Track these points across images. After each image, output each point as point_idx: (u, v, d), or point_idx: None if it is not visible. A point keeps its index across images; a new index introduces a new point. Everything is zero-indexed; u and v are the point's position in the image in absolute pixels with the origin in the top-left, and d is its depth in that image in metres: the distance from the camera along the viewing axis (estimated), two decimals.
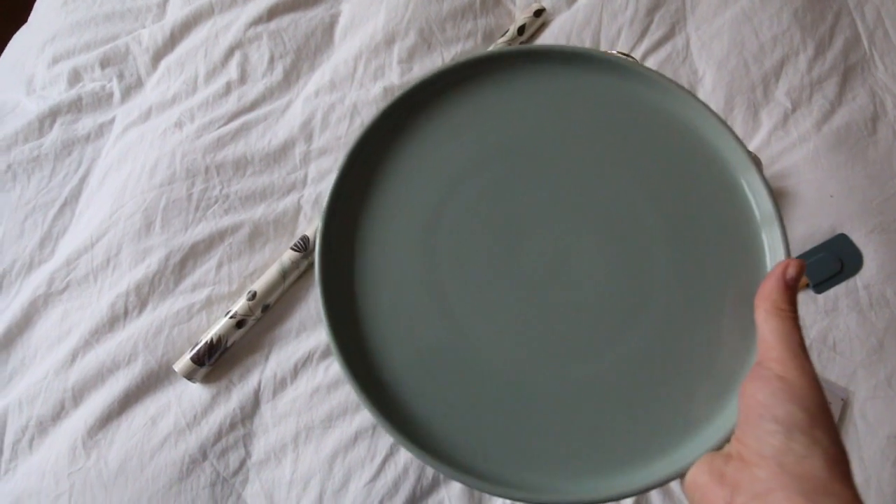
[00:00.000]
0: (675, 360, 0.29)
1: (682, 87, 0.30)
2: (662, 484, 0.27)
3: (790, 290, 0.26)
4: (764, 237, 0.30)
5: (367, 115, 0.66)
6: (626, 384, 0.29)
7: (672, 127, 0.30)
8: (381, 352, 0.30)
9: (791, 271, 0.27)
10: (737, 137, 0.29)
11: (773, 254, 0.29)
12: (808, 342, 0.55)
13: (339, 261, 0.31)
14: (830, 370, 0.54)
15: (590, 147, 0.31)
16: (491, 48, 0.69)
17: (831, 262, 0.58)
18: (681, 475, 0.27)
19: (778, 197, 0.62)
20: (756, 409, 0.24)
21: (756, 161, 0.30)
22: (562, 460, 0.28)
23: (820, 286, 0.57)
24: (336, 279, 0.30)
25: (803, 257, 0.59)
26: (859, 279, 0.58)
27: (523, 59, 0.31)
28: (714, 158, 0.30)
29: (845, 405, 0.53)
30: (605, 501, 0.27)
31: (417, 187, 0.31)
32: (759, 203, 0.30)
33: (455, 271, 0.30)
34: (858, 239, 0.59)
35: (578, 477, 0.28)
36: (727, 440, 0.27)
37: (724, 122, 0.29)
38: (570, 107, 0.31)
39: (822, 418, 0.23)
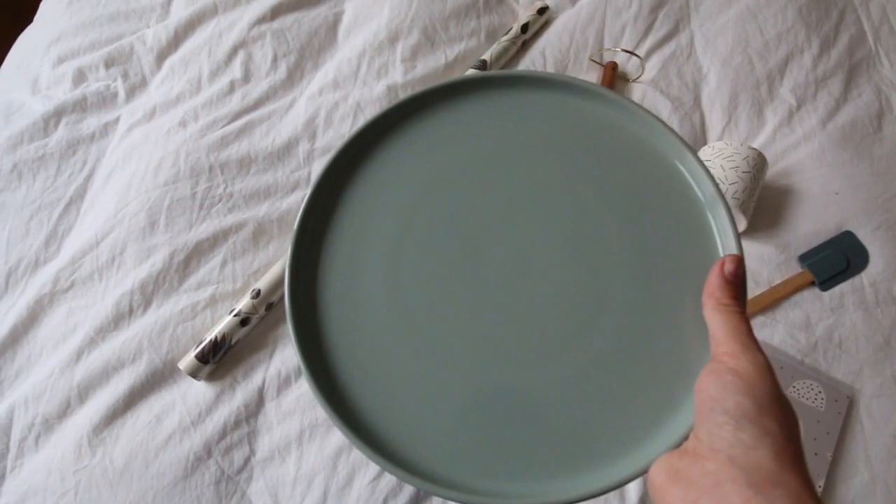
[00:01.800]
0: (636, 360, 0.29)
1: (620, 96, 0.32)
2: (623, 484, 0.27)
3: (731, 286, 0.27)
4: (711, 221, 0.31)
5: (362, 120, 0.66)
6: (588, 386, 0.29)
7: (625, 139, 0.33)
8: (348, 369, 0.30)
9: (728, 266, 0.27)
10: (666, 126, 0.31)
11: (723, 238, 0.30)
12: (814, 340, 0.55)
13: (307, 280, 0.32)
14: (836, 368, 0.54)
15: (543, 161, 0.33)
16: (488, 50, 0.69)
17: (837, 260, 0.57)
18: (643, 474, 0.27)
19: (783, 194, 0.62)
20: (708, 402, 0.24)
21: (689, 147, 0.31)
22: (524, 464, 0.28)
23: (825, 283, 0.57)
24: (304, 297, 0.31)
25: (809, 255, 0.58)
26: (865, 276, 0.57)
27: (478, 85, 0.34)
28: (655, 154, 0.32)
29: (851, 403, 0.53)
30: (569, 503, 0.27)
31: (384, 206, 0.32)
32: (701, 186, 0.31)
33: (419, 284, 0.31)
34: (864, 236, 0.59)
35: (539, 480, 0.28)
36: (685, 437, 0.27)
37: (655, 117, 0.32)
38: (529, 123, 0.33)
39: (772, 407, 0.23)
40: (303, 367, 0.30)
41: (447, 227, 0.32)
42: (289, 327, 0.30)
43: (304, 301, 0.31)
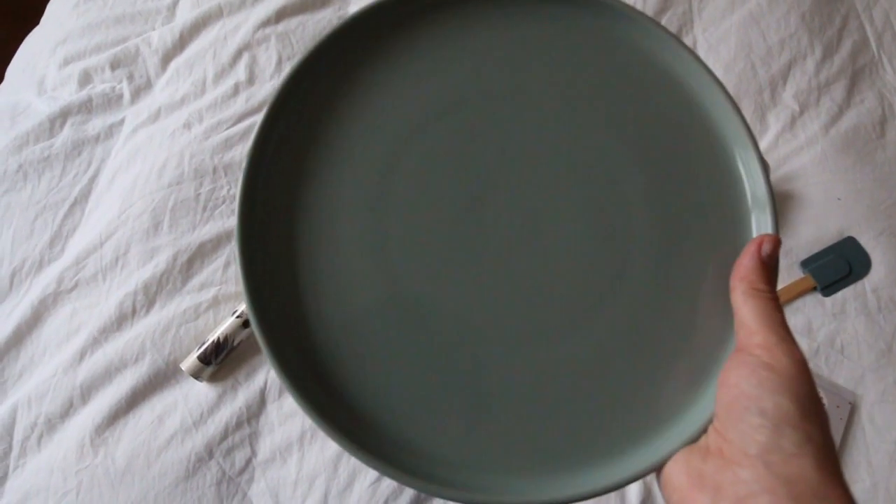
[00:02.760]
0: (650, 343, 0.26)
1: (684, 45, 0.26)
2: (634, 480, 0.24)
3: (767, 269, 0.24)
4: (753, 221, 0.26)
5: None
6: (596, 369, 0.26)
7: (666, 85, 0.27)
8: (324, 342, 0.26)
9: (767, 247, 0.24)
10: (738, 110, 0.26)
11: (759, 214, 0.27)
12: (815, 345, 0.55)
13: (273, 229, 0.26)
14: (838, 374, 0.54)
15: (569, 97, 0.27)
16: None
17: (839, 265, 0.57)
18: (655, 470, 0.24)
19: (785, 200, 0.62)
20: (740, 400, 0.21)
21: (754, 141, 0.26)
22: (524, 457, 0.25)
23: (828, 289, 0.57)
24: (270, 248, 0.26)
25: (811, 260, 0.58)
26: (867, 282, 0.57)
27: None
28: (710, 128, 0.27)
29: (853, 409, 0.53)
30: (572, 501, 0.24)
31: (369, 136, 0.26)
32: (753, 184, 0.26)
33: (409, 235, 0.26)
34: (866, 242, 0.59)
35: (542, 475, 0.25)
36: (703, 431, 0.24)
37: (726, 93, 0.26)
38: (549, 50, 0.27)
39: (815, 410, 0.21)
40: (275, 368, 0.25)
41: (446, 162, 0.26)
42: (255, 330, 0.25)
43: (262, 275, 0.26)
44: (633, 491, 0.49)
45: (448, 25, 0.27)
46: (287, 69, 0.26)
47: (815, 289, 0.57)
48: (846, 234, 0.60)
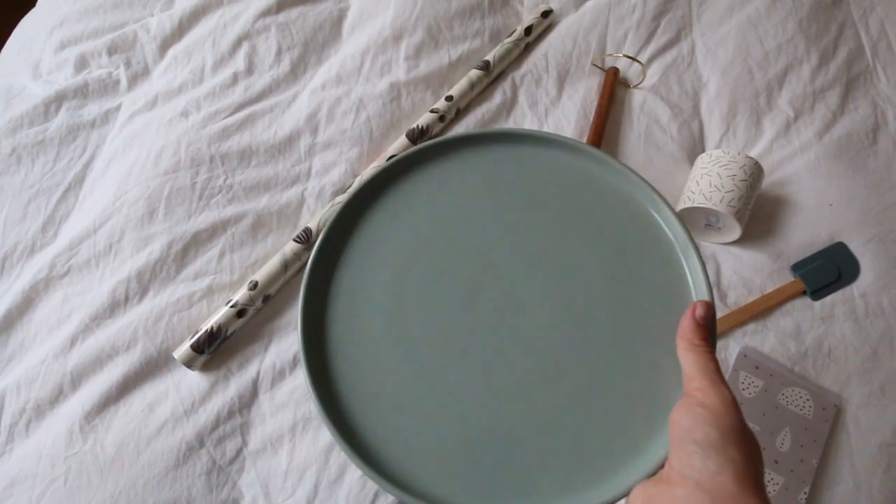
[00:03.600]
0: (616, 394, 0.32)
1: (603, 153, 0.36)
2: None
3: (701, 328, 0.30)
4: (684, 264, 0.34)
5: (364, 115, 0.66)
6: (571, 416, 0.32)
7: (601, 188, 0.36)
8: (355, 402, 0.33)
9: (699, 311, 0.30)
10: (638, 176, 0.35)
11: (695, 282, 0.33)
12: (803, 349, 0.56)
13: (317, 326, 0.34)
14: (825, 377, 0.55)
15: (531, 212, 0.36)
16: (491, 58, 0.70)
17: (829, 270, 0.58)
18: (622, 498, 0.30)
19: (778, 204, 0.63)
20: (679, 432, 0.27)
21: (663, 198, 0.35)
22: (508, 488, 0.31)
23: (817, 293, 0.58)
24: (314, 338, 0.34)
25: (801, 264, 0.59)
26: (856, 287, 0.58)
27: (473, 141, 0.38)
28: (634, 205, 0.36)
29: (838, 412, 0.54)
30: None
31: (382, 258, 0.35)
32: (673, 232, 0.35)
33: (417, 327, 0.34)
34: (856, 248, 0.60)
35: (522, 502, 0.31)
36: (660, 466, 0.29)
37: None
38: (513, 178, 0.37)
39: (735, 437, 0.25)
40: (314, 399, 0.32)
41: (442, 276, 0.35)
42: (302, 365, 0.33)
43: (315, 343, 0.34)
44: None
45: (439, 167, 0.38)
46: (332, 213, 0.37)
47: (804, 292, 0.58)
48: (837, 240, 0.60)
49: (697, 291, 0.33)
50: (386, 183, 0.37)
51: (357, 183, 0.36)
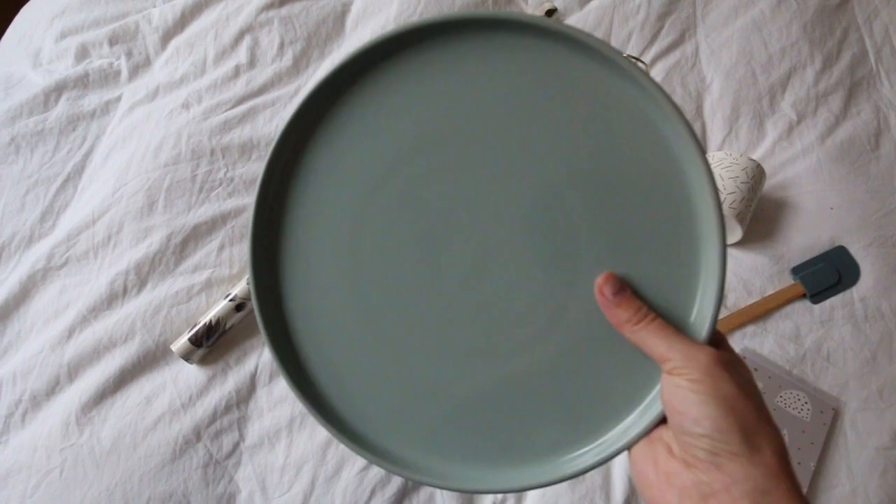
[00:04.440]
0: (600, 353, 0.28)
1: (633, 67, 0.26)
2: (579, 475, 0.28)
3: (622, 303, 0.26)
4: (694, 211, 0.27)
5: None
6: (550, 378, 0.29)
7: (620, 110, 0.27)
8: (311, 348, 0.31)
9: (606, 289, 0.26)
10: (695, 137, 0.25)
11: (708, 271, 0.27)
12: (802, 351, 0.56)
13: (269, 253, 0.31)
14: (823, 380, 0.55)
15: (521, 131, 0.28)
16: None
17: (829, 274, 0.58)
18: (604, 463, 0.28)
19: (779, 206, 0.63)
20: (676, 417, 0.24)
21: (709, 172, 0.26)
22: (490, 452, 0.29)
23: (817, 297, 0.58)
24: (267, 276, 0.31)
25: (801, 267, 0.59)
26: (856, 291, 0.58)
27: (445, 29, 0.27)
28: (665, 156, 0.27)
29: (836, 415, 0.54)
30: (523, 489, 0.29)
31: (343, 179, 0.30)
32: (704, 218, 0.26)
33: (379, 269, 0.30)
34: (856, 252, 0.60)
35: (502, 467, 0.29)
36: (653, 426, 0.27)
37: (678, 112, 0.25)
38: (502, 84, 0.28)
39: (743, 407, 0.23)
40: (276, 362, 0.30)
41: (411, 204, 0.29)
42: (258, 319, 0.30)
43: (267, 279, 0.31)
44: (618, 489, 0.50)
45: (410, 69, 0.28)
46: (293, 106, 0.30)
47: (804, 296, 0.58)
48: (837, 244, 0.61)
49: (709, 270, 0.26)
50: (356, 77, 0.28)
51: (322, 72, 0.29)
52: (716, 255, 0.26)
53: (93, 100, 0.65)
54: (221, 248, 0.57)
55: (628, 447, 0.27)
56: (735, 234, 0.59)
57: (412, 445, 0.30)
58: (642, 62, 0.70)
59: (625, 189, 0.27)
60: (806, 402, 0.54)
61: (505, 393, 0.29)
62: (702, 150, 0.26)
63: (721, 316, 0.57)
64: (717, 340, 0.27)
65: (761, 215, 0.62)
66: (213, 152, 0.61)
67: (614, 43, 0.72)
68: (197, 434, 0.51)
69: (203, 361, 0.53)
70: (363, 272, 0.30)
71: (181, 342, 0.52)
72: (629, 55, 0.70)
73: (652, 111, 0.26)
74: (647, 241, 0.27)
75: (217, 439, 0.51)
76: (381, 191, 0.29)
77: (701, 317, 0.27)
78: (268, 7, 0.70)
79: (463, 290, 0.29)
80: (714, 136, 0.67)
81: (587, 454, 0.28)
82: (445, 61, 0.28)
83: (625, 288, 0.26)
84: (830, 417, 0.53)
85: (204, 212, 0.58)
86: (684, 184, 0.27)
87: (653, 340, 0.25)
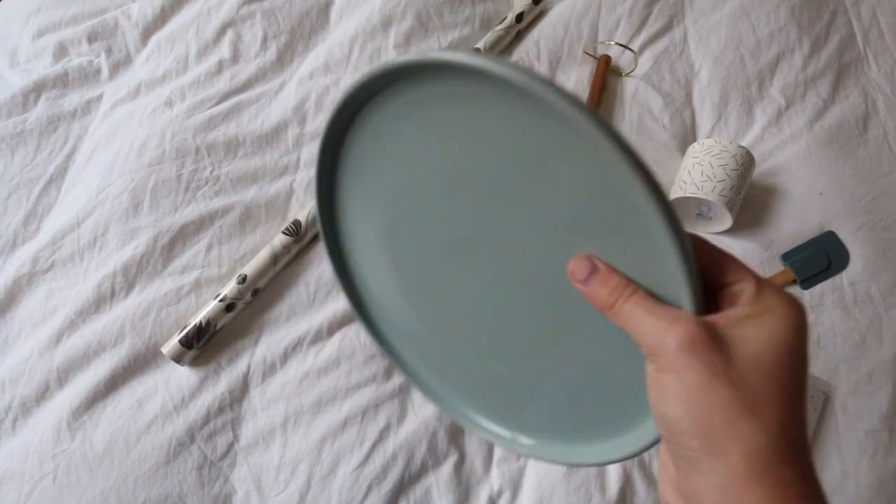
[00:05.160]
0: (612, 363, 0.27)
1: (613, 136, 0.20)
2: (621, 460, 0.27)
3: (599, 288, 0.23)
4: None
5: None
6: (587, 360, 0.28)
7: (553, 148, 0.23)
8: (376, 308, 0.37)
9: (577, 274, 0.23)
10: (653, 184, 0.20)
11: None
12: None
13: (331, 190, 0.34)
14: (814, 365, 0.55)
15: (515, 181, 0.25)
16: (481, 41, 0.69)
17: (819, 259, 0.59)
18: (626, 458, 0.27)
19: (769, 193, 0.63)
20: (661, 420, 0.21)
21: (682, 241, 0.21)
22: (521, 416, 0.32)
23: (807, 282, 0.58)
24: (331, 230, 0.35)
25: (791, 253, 0.59)
26: (845, 276, 0.59)
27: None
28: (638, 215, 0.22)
29: (827, 399, 0.54)
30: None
31: (375, 194, 0.32)
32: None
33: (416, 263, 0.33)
34: (846, 236, 0.60)
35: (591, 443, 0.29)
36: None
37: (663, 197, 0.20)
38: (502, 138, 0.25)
39: (724, 392, 0.19)
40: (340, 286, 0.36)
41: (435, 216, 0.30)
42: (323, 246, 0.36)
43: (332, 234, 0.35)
44: (613, 479, 0.50)
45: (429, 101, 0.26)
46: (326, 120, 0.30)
47: (794, 282, 0.58)
48: (827, 228, 0.61)
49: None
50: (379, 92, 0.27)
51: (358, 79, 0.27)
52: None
53: (73, 99, 0.64)
54: (209, 248, 0.57)
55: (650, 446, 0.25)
56: (725, 221, 0.59)
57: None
58: (631, 50, 0.69)
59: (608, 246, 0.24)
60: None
61: (535, 376, 0.31)
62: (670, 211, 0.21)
63: None
64: (756, 286, 0.22)
65: (751, 202, 0.62)
66: (198, 150, 0.60)
67: (601, 31, 0.71)
68: (191, 436, 0.50)
69: (194, 363, 0.53)
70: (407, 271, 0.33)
71: (172, 344, 0.51)
72: (617, 42, 0.70)
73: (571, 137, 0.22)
74: (605, 229, 0.24)
75: (211, 440, 0.51)
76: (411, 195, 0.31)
77: (675, 282, 0.22)
78: (249, 0, 0.68)
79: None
80: (703, 124, 0.67)
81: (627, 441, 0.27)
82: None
83: (596, 269, 0.23)
84: (821, 402, 0.54)
85: (191, 211, 0.57)
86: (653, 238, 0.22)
87: (631, 323, 0.22)
